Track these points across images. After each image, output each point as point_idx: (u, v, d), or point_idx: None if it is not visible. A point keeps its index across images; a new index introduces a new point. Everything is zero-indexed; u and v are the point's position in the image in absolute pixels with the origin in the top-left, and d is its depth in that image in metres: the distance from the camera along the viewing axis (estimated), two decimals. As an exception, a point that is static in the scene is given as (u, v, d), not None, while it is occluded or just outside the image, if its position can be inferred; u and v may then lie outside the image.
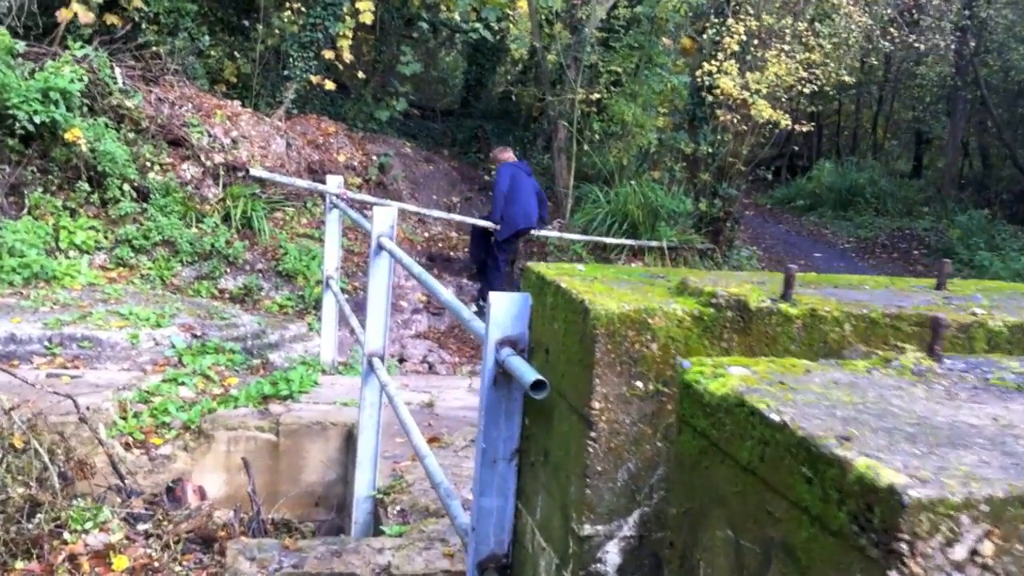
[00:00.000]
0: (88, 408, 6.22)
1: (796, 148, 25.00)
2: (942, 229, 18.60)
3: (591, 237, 12.03)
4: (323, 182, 12.79)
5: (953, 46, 14.69)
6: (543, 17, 14.12)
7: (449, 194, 16.11)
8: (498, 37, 16.77)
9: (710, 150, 12.54)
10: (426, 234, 14.33)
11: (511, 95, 21.32)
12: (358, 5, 13.45)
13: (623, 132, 13.63)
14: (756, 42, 11.61)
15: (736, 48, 11.47)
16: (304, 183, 8.54)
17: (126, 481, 6.21)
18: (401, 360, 10.53)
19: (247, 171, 7.26)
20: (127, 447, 6.67)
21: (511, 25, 16.17)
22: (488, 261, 11.49)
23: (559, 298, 2.64)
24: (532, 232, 11.74)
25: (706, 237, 12.72)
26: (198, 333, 8.39)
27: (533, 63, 21.51)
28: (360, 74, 15.19)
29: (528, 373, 2.66)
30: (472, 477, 5.67)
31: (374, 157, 14.14)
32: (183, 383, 7.56)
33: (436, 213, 11.69)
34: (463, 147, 18.39)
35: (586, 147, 12.93)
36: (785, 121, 12.02)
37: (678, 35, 15.44)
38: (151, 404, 7.12)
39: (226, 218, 11.04)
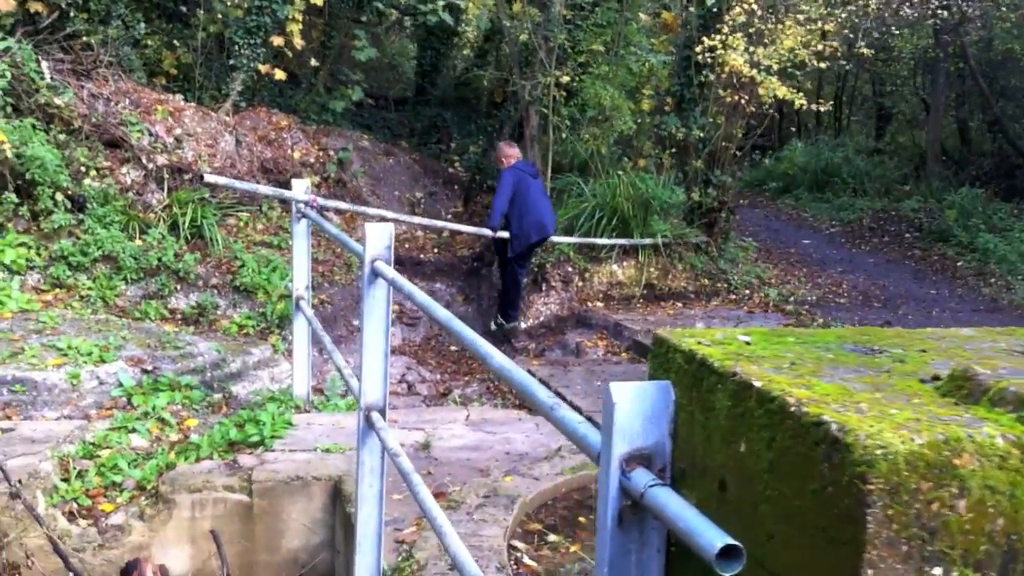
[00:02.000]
0: (20, 482, 5.11)
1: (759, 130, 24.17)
2: (932, 209, 17.80)
3: (581, 239, 10.98)
4: (280, 182, 11.68)
5: (943, 13, 13.84)
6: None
7: (412, 189, 15.01)
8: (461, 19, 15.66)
9: (701, 135, 11.53)
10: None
11: (469, 81, 20.23)
12: (308, -14, 12.29)
13: (600, 117, 12.60)
14: (760, 13, 10.62)
15: (743, 20, 10.47)
16: (268, 190, 7.43)
17: (71, 563, 5.11)
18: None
19: (201, 177, 6.17)
20: (71, 516, 5.59)
21: (470, 5, 15.06)
22: (506, 277, 10.32)
23: (753, 404, 1.62)
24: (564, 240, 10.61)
25: (700, 229, 11.75)
26: (148, 367, 7.29)
27: (492, 46, 20.47)
28: (313, 61, 14.00)
29: (707, 531, 1.62)
30: (494, 549, 4.59)
31: (331, 152, 13.00)
32: (134, 430, 6.49)
33: (424, 221, 10.65)
34: (422, 138, 17.29)
35: (564, 135, 11.87)
36: (800, 100, 11.07)
37: (654, 9, 14.45)
38: (98, 459, 6.04)
39: (173, 227, 9.88)
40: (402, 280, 3.93)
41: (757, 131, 12.47)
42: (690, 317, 10.50)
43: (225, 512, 5.64)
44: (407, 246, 12.94)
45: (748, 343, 1.93)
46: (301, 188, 6.69)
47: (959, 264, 14.75)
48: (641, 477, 1.83)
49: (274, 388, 8.14)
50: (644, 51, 12.93)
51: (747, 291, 11.59)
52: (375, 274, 4.24)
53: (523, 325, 10.55)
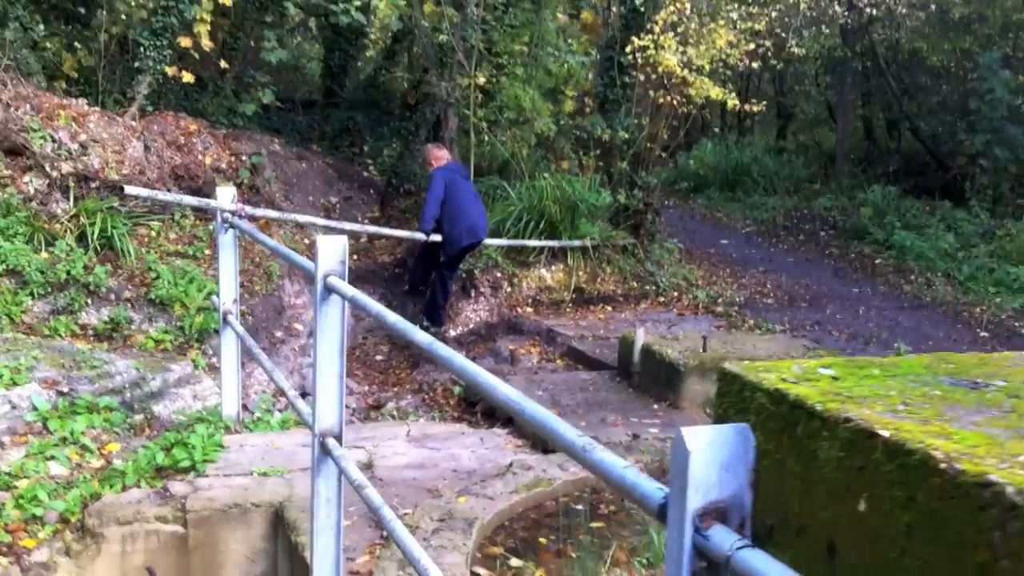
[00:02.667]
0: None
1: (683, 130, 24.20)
2: (845, 207, 17.98)
3: (511, 242, 10.73)
4: (192, 189, 11.22)
5: (847, 12, 13.95)
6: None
7: (326, 194, 14.63)
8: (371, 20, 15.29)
9: (627, 136, 11.38)
10: (307, 241, 12.84)
11: (379, 83, 19.86)
12: (217, -15, 11.82)
13: (520, 119, 12.38)
14: (689, 13, 10.50)
15: (675, 19, 10.33)
16: (194, 200, 7.03)
17: (-10, 609, 4.70)
18: (304, 395, 9.08)
19: (121, 189, 5.76)
20: (-12, 556, 5.15)
21: (381, 5, 14.70)
22: (435, 279, 9.96)
23: (880, 457, 1.40)
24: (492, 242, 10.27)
25: (627, 232, 11.60)
26: (64, 388, 6.83)
27: (402, 47, 20.11)
28: (222, 63, 13.51)
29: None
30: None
31: (244, 157, 12.53)
32: (52, 457, 6.04)
33: (362, 228, 10.25)
34: (334, 141, 16.89)
35: (486, 138, 11.61)
36: (733, 100, 10.99)
37: (570, 11, 14.26)
38: (15, 490, 5.60)
39: (81, 238, 9.36)
40: (365, 298, 3.64)
41: (681, 132, 12.38)
42: (622, 321, 10.33)
43: (159, 545, 5.27)
44: (313, 250, 12.53)
45: (835, 377, 1.70)
46: (227, 196, 6.32)
47: (877, 262, 14.88)
48: (722, 536, 1.58)
49: (198, 406, 7.74)
50: (563, 52, 12.73)
51: (675, 293, 11.49)
52: (329, 290, 3.94)
53: (452, 333, 10.26)
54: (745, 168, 21.34)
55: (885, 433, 1.40)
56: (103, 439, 6.45)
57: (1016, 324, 11.31)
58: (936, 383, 1.71)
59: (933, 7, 15.25)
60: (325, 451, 3.98)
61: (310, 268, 4.12)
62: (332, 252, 3.96)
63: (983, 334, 10.86)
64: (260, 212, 8.05)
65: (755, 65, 11.53)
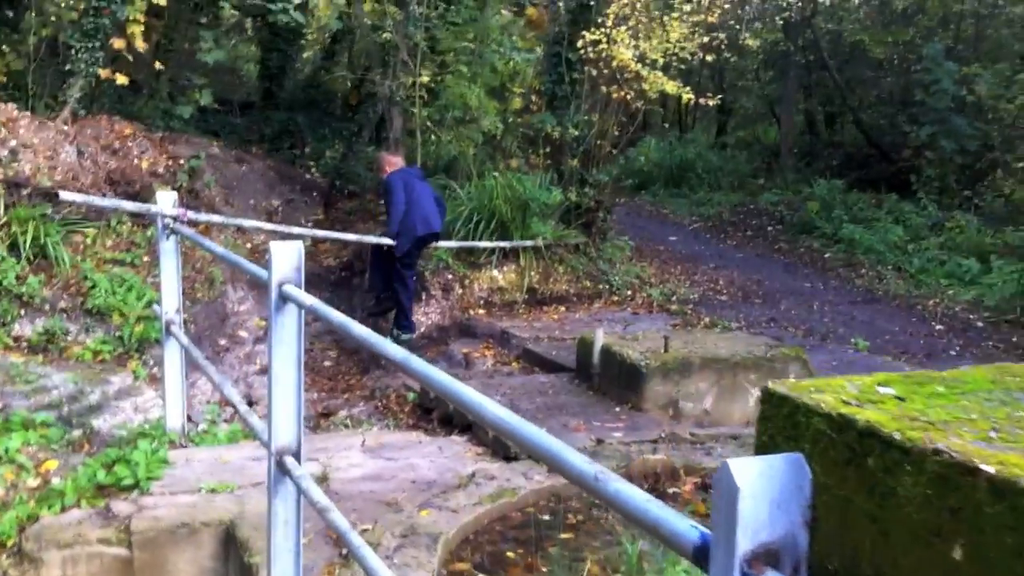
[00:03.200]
0: None
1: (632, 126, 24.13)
2: (792, 202, 17.97)
3: (461, 243, 10.47)
4: (129, 194, 10.83)
5: (798, 3, 13.89)
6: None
7: (268, 197, 14.27)
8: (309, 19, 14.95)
9: (576, 133, 11.18)
10: (248, 245, 12.50)
11: (318, 83, 19.49)
12: (149, -16, 11.43)
13: (467, 118, 12.14)
14: (640, 5, 10.32)
15: (627, 11, 10.13)
16: (132, 206, 6.69)
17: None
18: (250, 403, 8.78)
19: (55, 195, 5.44)
20: (-82, 585, 4.83)
21: (320, 4, 14.38)
22: (395, 284, 9.61)
23: (983, 497, 1.20)
24: (435, 243, 9.95)
25: (578, 230, 11.40)
26: (-2, 405, 6.48)
27: (342, 46, 19.76)
28: (157, 64, 13.11)
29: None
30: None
31: (182, 161, 12.17)
32: (-15, 477, 5.70)
33: (326, 234, 9.92)
34: (274, 143, 16.50)
35: (432, 136, 11.35)
36: (688, 95, 10.82)
37: (510, 6, 14.04)
38: (-54, 515, 5.26)
39: (13, 247, 8.96)
40: (325, 308, 3.39)
41: (630, 128, 12.21)
42: (576, 321, 10.13)
43: (101, 569, 4.96)
44: (266, 257, 12.21)
45: (900, 398, 1.48)
46: (168, 201, 6.01)
47: (827, 256, 14.85)
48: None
49: (139, 419, 7.42)
50: (508, 49, 12.51)
51: (628, 292, 11.31)
52: (284, 299, 3.68)
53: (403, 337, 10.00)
54: (689, 164, 21.30)
55: (989, 469, 1.18)
56: (40, 457, 6.11)
57: (970, 316, 11.29)
58: (1015, 401, 1.51)
59: (875, 1, 15.26)
60: (283, 470, 3.73)
61: (263, 276, 3.86)
62: (287, 259, 3.71)
63: (938, 327, 10.82)
64: (203, 217, 7.73)
65: (709, 58, 11.39)
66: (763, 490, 1.36)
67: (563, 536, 5.14)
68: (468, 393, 2.28)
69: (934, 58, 16.52)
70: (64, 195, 5.70)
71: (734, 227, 17.38)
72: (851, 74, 21.07)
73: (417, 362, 2.65)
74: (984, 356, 9.80)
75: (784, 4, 13.48)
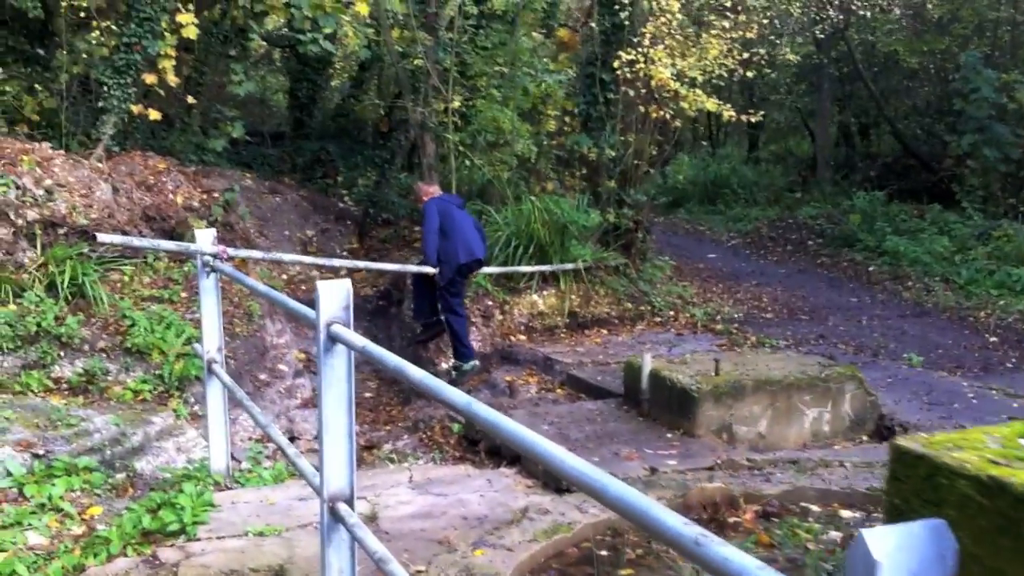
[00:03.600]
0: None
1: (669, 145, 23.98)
2: (831, 215, 17.70)
3: (501, 268, 10.34)
4: (165, 230, 10.78)
5: (839, 16, 13.70)
6: (391, 21, 12.43)
7: (303, 227, 14.23)
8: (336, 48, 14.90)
9: (613, 153, 11.03)
10: (284, 276, 12.43)
11: (347, 111, 19.48)
12: (179, 18, 11.40)
13: (500, 141, 12.03)
14: (676, 23, 10.15)
15: (667, 31, 9.98)
16: (171, 245, 6.61)
17: None
18: (292, 438, 8.66)
19: (93, 237, 5.35)
20: (-36, 642, 4.71)
21: (349, 34, 14.33)
22: (445, 315, 9.42)
23: None
24: (479, 269, 9.78)
25: (618, 252, 11.23)
26: (40, 451, 6.39)
27: (371, 74, 19.73)
28: (189, 99, 13.09)
29: None
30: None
31: (216, 194, 12.11)
32: (30, 526, 5.59)
33: (351, 263, 9.79)
34: (306, 173, 16.48)
35: (467, 161, 11.24)
36: (729, 112, 10.65)
37: (537, 27, 13.93)
38: (-9, 567, 5.14)
39: (51, 288, 8.90)
40: (379, 349, 3.25)
41: (667, 146, 12.05)
42: (619, 344, 9.96)
43: (151, 621, 4.83)
44: (303, 288, 12.14)
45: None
46: (208, 239, 5.91)
47: (871, 269, 14.59)
48: None
49: (182, 460, 7.31)
50: (539, 71, 12.39)
51: (671, 312, 11.13)
52: (333, 339, 3.54)
53: (444, 366, 9.84)
54: (724, 180, 21.11)
55: None
56: (83, 503, 6.02)
57: (1024, 327, 11.03)
58: None
59: (909, 10, 15.03)
60: (336, 518, 3.59)
61: (310, 316, 3.72)
62: (335, 298, 3.58)
63: (992, 339, 10.55)
64: (243, 253, 7.63)
65: (750, 74, 11.21)
66: (901, 563, 1.21)
67: (623, 573, 4.97)
68: (543, 444, 2.13)
69: (973, 66, 16.24)
70: (101, 237, 5.61)
71: (773, 242, 17.15)
72: (886, 84, 20.80)
73: (481, 408, 2.50)
74: (1042, 367, 9.56)
75: (818, 17, 13.27)
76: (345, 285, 3.62)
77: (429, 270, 9.13)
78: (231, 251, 6.14)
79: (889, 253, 14.75)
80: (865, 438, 7.34)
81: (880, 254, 14.99)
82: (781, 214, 19.06)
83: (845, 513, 5.72)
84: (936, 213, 16.47)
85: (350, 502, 3.63)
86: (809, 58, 20.34)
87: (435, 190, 9.56)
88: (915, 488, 1.34)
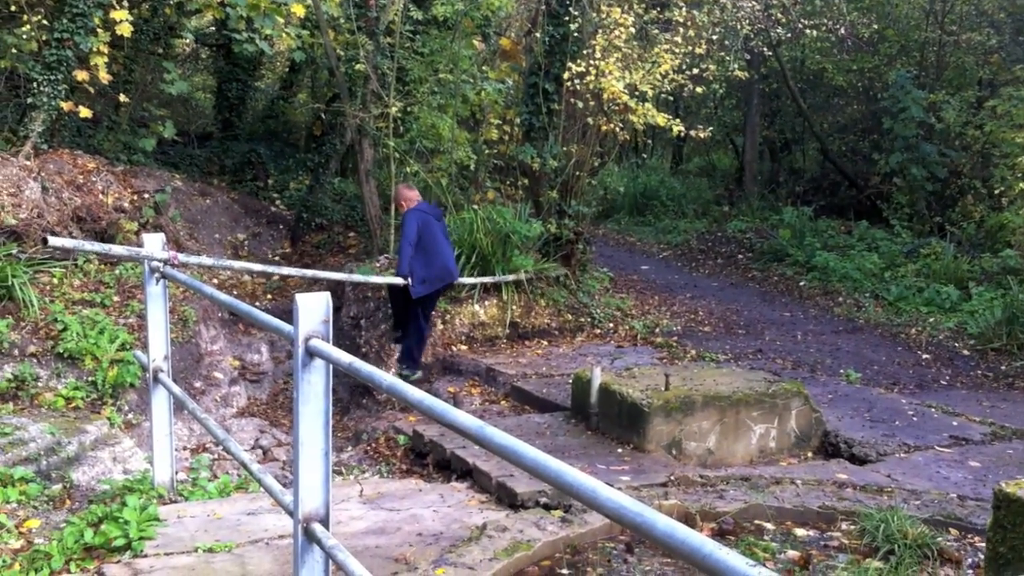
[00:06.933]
0: None
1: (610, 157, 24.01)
2: (760, 229, 17.89)
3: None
4: (96, 232, 10.49)
5: (762, 37, 13.86)
6: (329, 23, 12.26)
7: (233, 231, 13.98)
8: (272, 49, 14.64)
9: (556, 164, 10.98)
10: (215, 281, 12.18)
11: (277, 113, 19.22)
12: (113, 14, 11.09)
13: (440, 149, 11.93)
14: (626, 37, 10.13)
15: (619, 44, 9.94)
16: (121, 250, 6.36)
17: None
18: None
19: (44, 241, 5.12)
20: None
21: (284, 36, 14.11)
22: (411, 323, 9.21)
23: None
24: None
25: (558, 262, 11.18)
26: (-28, 462, 6.14)
27: (303, 77, 19.50)
28: (122, 96, 12.77)
29: None
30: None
31: (146, 195, 11.83)
32: (-36, 541, 5.37)
33: (307, 273, 9.46)
34: (236, 175, 16.19)
35: (407, 168, 11.10)
36: (678, 126, 10.68)
37: (485, 36, 13.85)
38: (-76, 585, 4.93)
39: (-23, 290, 8.61)
40: (367, 367, 3.15)
41: (606, 157, 12.05)
42: (561, 356, 9.91)
43: (97, 641, 4.66)
44: (235, 293, 11.90)
45: None
46: (156, 244, 5.72)
47: (802, 284, 14.75)
48: None
49: (118, 470, 7.09)
50: (479, 79, 12.31)
51: (611, 324, 11.11)
52: (310, 353, 3.43)
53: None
54: (653, 191, 21.20)
55: None
56: (20, 515, 5.80)
57: (955, 344, 11.19)
58: None
59: (841, 28, 15.26)
60: (311, 538, 3.49)
61: (285, 330, 3.61)
62: (314, 311, 3.47)
63: (924, 356, 10.72)
64: (194, 259, 7.39)
65: (699, 90, 11.27)
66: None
67: (585, 592, 4.91)
68: (579, 478, 2.06)
69: (902, 85, 16.56)
70: (52, 241, 5.38)
71: (704, 255, 17.28)
72: (813, 100, 21.12)
73: (497, 434, 2.43)
74: (975, 385, 9.72)
75: (752, 34, 13.42)
76: (324, 298, 3.52)
77: (399, 281, 8.90)
78: (181, 257, 5.95)
79: (819, 268, 14.94)
80: (810, 455, 7.39)
81: (809, 269, 15.18)
82: (710, 227, 19.23)
83: (799, 531, 5.74)
84: (863, 230, 16.74)
85: (325, 522, 3.53)
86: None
87: (415, 196, 9.33)
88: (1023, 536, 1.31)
